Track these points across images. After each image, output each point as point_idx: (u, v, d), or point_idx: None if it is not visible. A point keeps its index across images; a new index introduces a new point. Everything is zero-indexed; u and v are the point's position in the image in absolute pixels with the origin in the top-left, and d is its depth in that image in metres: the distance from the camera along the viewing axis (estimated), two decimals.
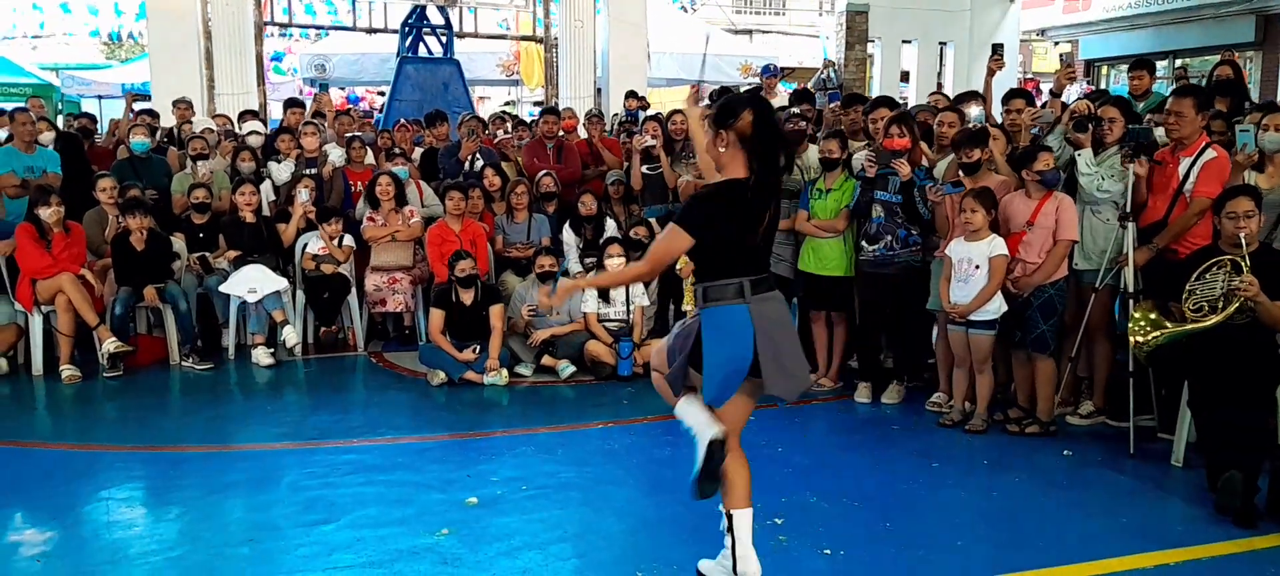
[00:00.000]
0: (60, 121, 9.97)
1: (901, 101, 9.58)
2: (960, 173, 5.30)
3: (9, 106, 8.58)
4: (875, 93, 12.47)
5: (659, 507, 4.10)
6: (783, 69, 12.96)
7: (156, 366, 6.50)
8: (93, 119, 9.61)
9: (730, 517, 3.22)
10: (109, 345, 6.11)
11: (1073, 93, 10.28)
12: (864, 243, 5.60)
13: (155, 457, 4.83)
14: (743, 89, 12.32)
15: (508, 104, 20.45)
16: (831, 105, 8.08)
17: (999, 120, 6.31)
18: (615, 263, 6.36)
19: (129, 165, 7.40)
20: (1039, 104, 7.21)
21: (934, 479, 4.47)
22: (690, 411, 3.13)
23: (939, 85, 14.85)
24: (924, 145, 5.70)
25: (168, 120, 9.16)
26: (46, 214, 6.16)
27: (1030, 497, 4.23)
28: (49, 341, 6.30)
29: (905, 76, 15.87)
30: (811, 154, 6.21)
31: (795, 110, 7.08)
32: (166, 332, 6.57)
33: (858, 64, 14.64)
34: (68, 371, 6.08)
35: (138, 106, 8.91)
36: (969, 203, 4.96)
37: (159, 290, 6.39)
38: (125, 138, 7.70)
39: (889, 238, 5.48)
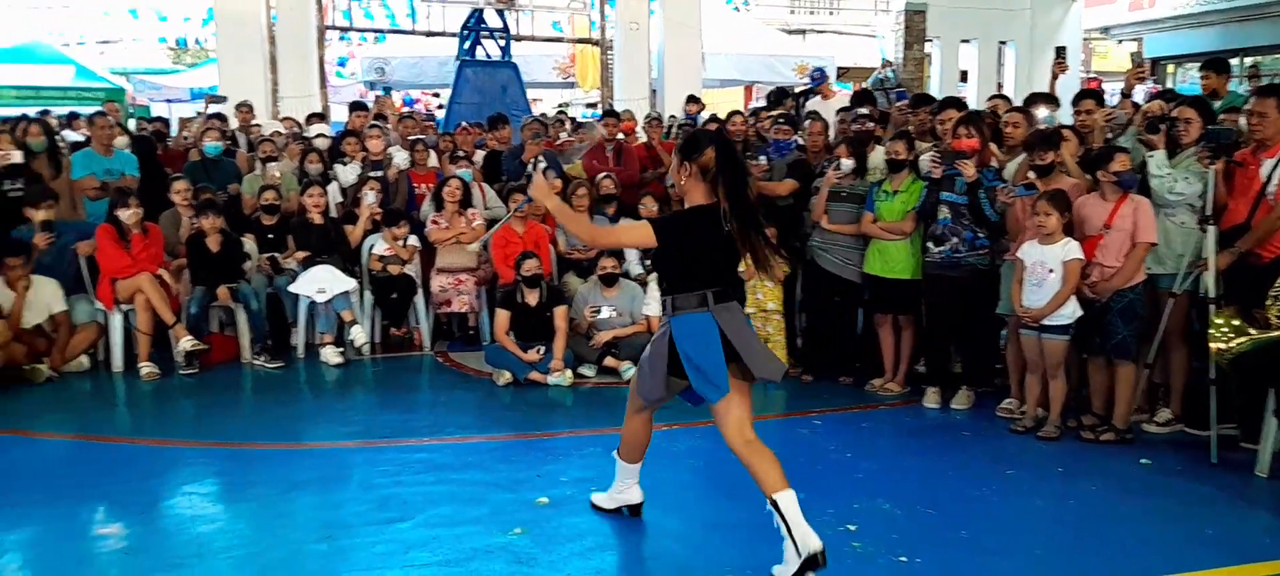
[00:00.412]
0: (131, 125, 10.24)
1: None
2: (1032, 175, 5.22)
3: (86, 111, 8.83)
4: (932, 93, 12.33)
5: (728, 510, 4.09)
6: (839, 69, 12.85)
7: (229, 364, 6.65)
8: (165, 122, 9.87)
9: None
10: (185, 343, 6.27)
11: (1140, 92, 10.06)
12: (930, 244, 5.54)
13: (230, 453, 4.95)
14: (797, 89, 12.25)
15: (562, 106, 20.57)
16: (898, 105, 8.00)
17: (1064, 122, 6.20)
18: None
19: (201, 167, 7.59)
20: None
21: (1007, 486, 4.41)
22: (793, 512, 3.31)
23: (999, 85, 14.63)
24: (993, 146, 5.62)
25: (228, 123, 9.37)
26: (125, 215, 6.34)
27: (1108, 506, 4.14)
28: (128, 339, 6.48)
29: (964, 76, 15.66)
30: (877, 155, 6.16)
31: (863, 111, 7.03)
32: (239, 331, 6.72)
33: (915, 64, 14.48)
34: (146, 369, 6.25)
35: (211, 109, 9.11)
36: (1043, 205, 4.89)
37: (232, 290, 6.54)
38: (198, 141, 7.89)
39: (955, 239, 5.41)
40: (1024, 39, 14.72)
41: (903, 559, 3.59)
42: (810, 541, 3.24)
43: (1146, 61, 18.47)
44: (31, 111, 9.57)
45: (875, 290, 5.87)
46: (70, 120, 9.52)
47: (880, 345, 5.97)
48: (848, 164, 5.93)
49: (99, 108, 8.82)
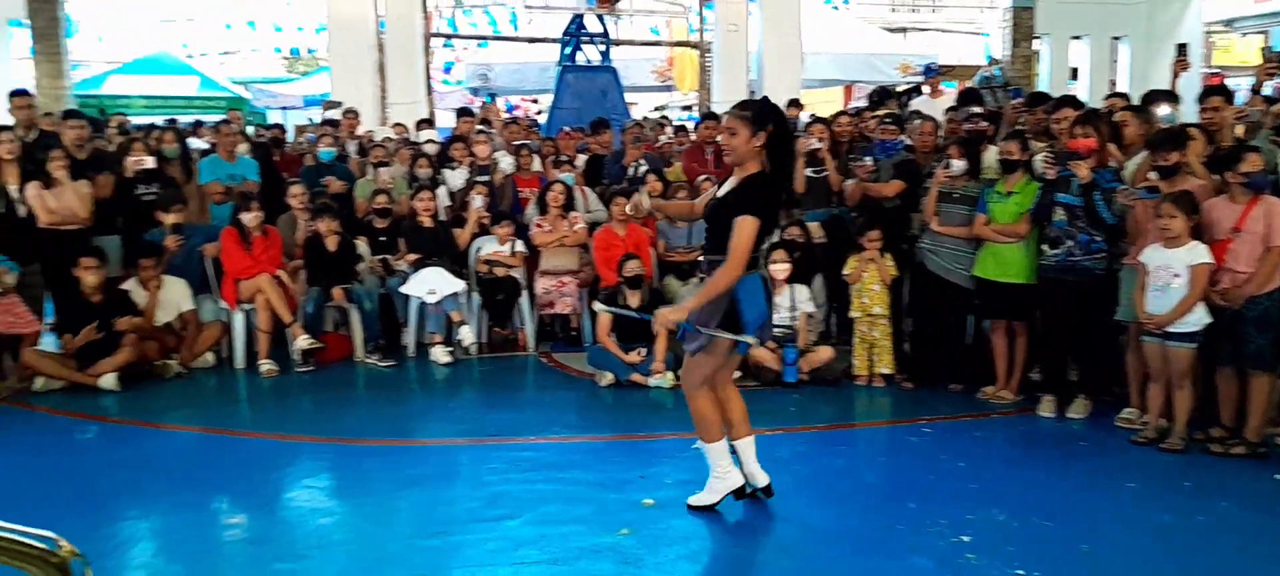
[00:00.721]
0: (250, 132, 10.70)
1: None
2: (1154, 176, 5.01)
3: (210, 119, 9.26)
4: (1044, 91, 11.93)
5: (835, 518, 4.04)
6: (942, 67, 12.54)
7: (343, 362, 6.89)
8: (282, 129, 10.28)
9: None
10: (301, 342, 6.52)
11: (1268, 87, 9.54)
12: (1045, 247, 5.37)
13: (345, 449, 5.11)
14: (900, 88, 12.02)
15: (658, 109, 20.64)
16: (1012, 103, 7.77)
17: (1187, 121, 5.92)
18: (778, 268, 6.31)
19: (316, 172, 7.88)
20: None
21: (1130, 500, 4.24)
22: (719, 455, 3.96)
23: (1111, 83, 14.08)
24: (1113, 147, 5.41)
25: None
26: (248, 218, 6.63)
27: (1241, 524, 3.95)
28: (249, 337, 6.77)
29: (1074, 73, 15.12)
30: (990, 155, 6.00)
31: (976, 110, 6.86)
32: (352, 331, 6.95)
33: (1023, 61, 14.05)
34: (266, 366, 6.51)
35: (329, 115, 9.42)
36: (1167, 208, 4.68)
37: (346, 290, 6.77)
38: (313, 147, 8.19)
39: (1070, 242, 5.23)
40: (1139, 33, 14.11)
41: (1020, 572, 3.47)
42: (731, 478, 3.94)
43: (1277, 55, 17.51)
44: (159, 120, 10.10)
45: (988, 294, 5.71)
46: (195, 128, 10.00)
47: (992, 351, 5.81)
48: (959, 165, 5.79)
49: (223, 116, 9.24)
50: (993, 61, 13.77)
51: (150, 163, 7.05)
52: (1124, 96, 6.96)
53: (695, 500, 4.04)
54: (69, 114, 7.56)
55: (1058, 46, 14.05)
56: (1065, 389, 5.49)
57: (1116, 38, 14.26)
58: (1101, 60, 14.28)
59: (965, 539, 3.75)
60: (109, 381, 6.00)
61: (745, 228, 3.63)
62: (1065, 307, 5.30)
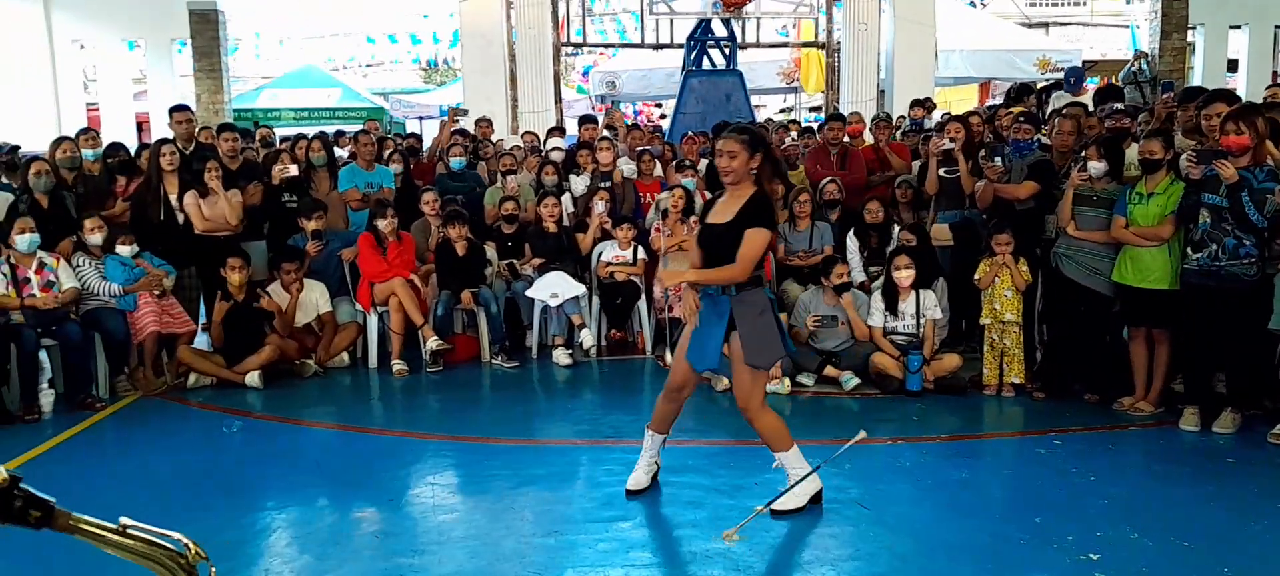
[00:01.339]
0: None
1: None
2: None
3: (350, 129, 9.71)
4: (1200, 85, 11.24)
5: (957, 532, 3.91)
6: (1087, 63, 11.98)
7: (470, 363, 7.11)
8: (418, 138, 10.69)
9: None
10: (432, 343, 6.76)
11: None
12: (1188, 250, 5.06)
13: (471, 448, 5.28)
14: (1040, 84, 11.53)
15: (783, 111, 20.44)
16: (1164, 98, 7.35)
17: None
18: (903, 275, 6.17)
19: (448, 180, 8.16)
20: None
21: None
22: (798, 465, 4.07)
23: (1274, 75, 13.14)
24: (1271, 144, 5.04)
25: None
26: (383, 225, 6.93)
27: None
28: (382, 339, 7.06)
29: (1233, 65, 14.19)
30: (1131, 153, 5.69)
31: (1118, 106, 6.53)
32: (479, 333, 7.17)
33: (1175, 53, 13.28)
34: (398, 366, 6.79)
35: (458, 125, 9.72)
36: None
37: (474, 294, 6.98)
38: (446, 156, 8.49)
39: (1215, 246, 4.92)
40: None
41: None
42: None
43: None
44: (309, 131, 10.65)
45: (1127, 300, 5.42)
46: (337, 137, 10.51)
47: (1130, 360, 5.51)
48: (1098, 166, 5.50)
49: (362, 126, 9.67)
50: (1140, 54, 13.05)
51: (294, 170, 7.45)
52: None
53: (780, 504, 4.04)
54: (224, 127, 8.08)
55: (1214, 36, 13.22)
56: (1211, 401, 5.16)
57: None
58: (1263, 50, 13.35)
59: (1094, 557, 3.57)
60: (253, 379, 6.39)
61: (757, 238, 3.76)
62: (1210, 315, 4.97)
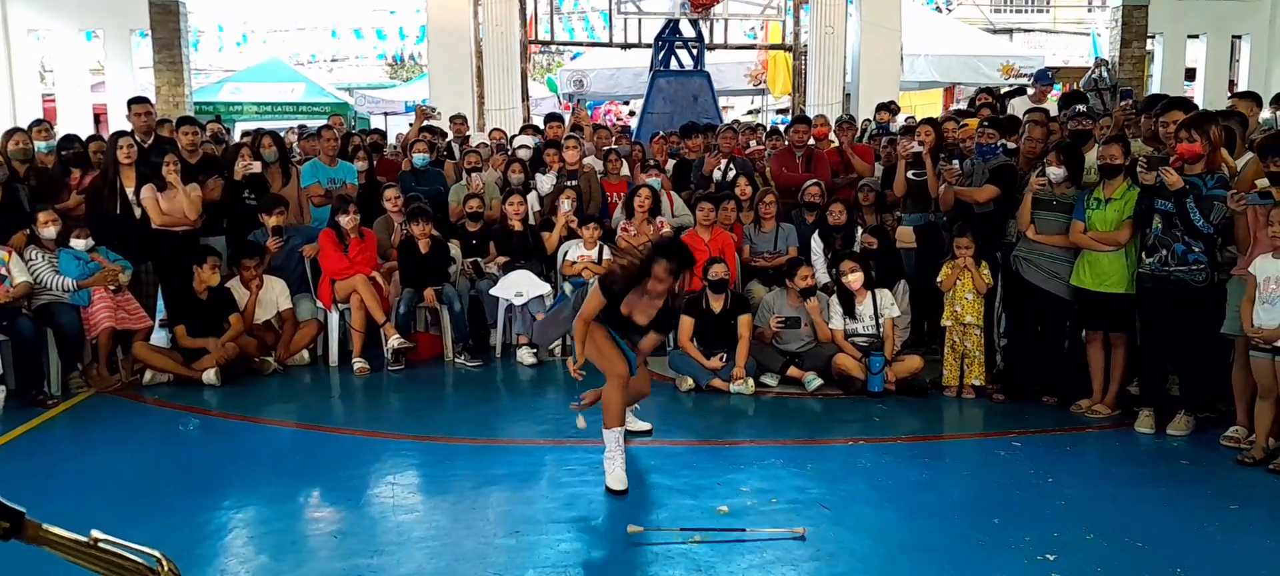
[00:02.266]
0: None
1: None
2: (1264, 182, 4.73)
3: (313, 124, 9.60)
4: (1154, 93, 11.43)
5: (917, 532, 3.94)
6: (1050, 70, 12.12)
7: (433, 362, 7.06)
8: (382, 134, 10.58)
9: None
10: (393, 341, 6.70)
11: None
12: (1142, 254, 5.15)
13: (431, 447, 5.23)
14: (1004, 89, 11.66)
15: (751, 112, 20.51)
16: (1121, 105, 7.47)
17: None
18: (852, 279, 6.22)
19: (411, 177, 8.09)
20: None
21: (1233, 523, 4.01)
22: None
23: (1232, 84, 13.39)
24: (1224, 153, 5.13)
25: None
26: (345, 221, 6.85)
27: None
28: (343, 336, 6.99)
29: (1191, 74, 14.43)
30: (1090, 157, 5.77)
31: (1081, 108, 6.62)
32: (442, 331, 7.11)
33: (1134, 61, 13.49)
34: (359, 364, 6.72)
35: (427, 123, 9.63)
36: None
37: (437, 292, 6.93)
38: (410, 153, 8.42)
39: (1165, 251, 5.01)
40: (1262, 33, 13.38)
41: None
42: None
43: None
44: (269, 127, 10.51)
45: (1084, 304, 5.49)
46: (300, 133, 10.38)
47: (1088, 363, 5.58)
48: (1058, 172, 5.57)
49: (325, 121, 9.55)
50: (1100, 61, 13.24)
51: (257, 167, 7.35)
52: (1255, 96, 6.52)
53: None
54: (183, 120, 7.94)
55: (1172, 45, 13.44)
56: (1165, 404, 5.24)
57: (1237, 36, 13.55)
58: (1220, 61, 13.60)
59: (1051, 558, 3.61)
60: (211, 376, 6.29)
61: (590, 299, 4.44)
62: (1162, 319, 5.06)
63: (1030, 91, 9.60)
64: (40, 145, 7.01)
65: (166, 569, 1.40)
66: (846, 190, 7.85)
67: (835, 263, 6.92)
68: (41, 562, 1.56)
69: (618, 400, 4.45)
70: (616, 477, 4.35)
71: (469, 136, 9.61)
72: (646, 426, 5.20)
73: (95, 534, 1.34)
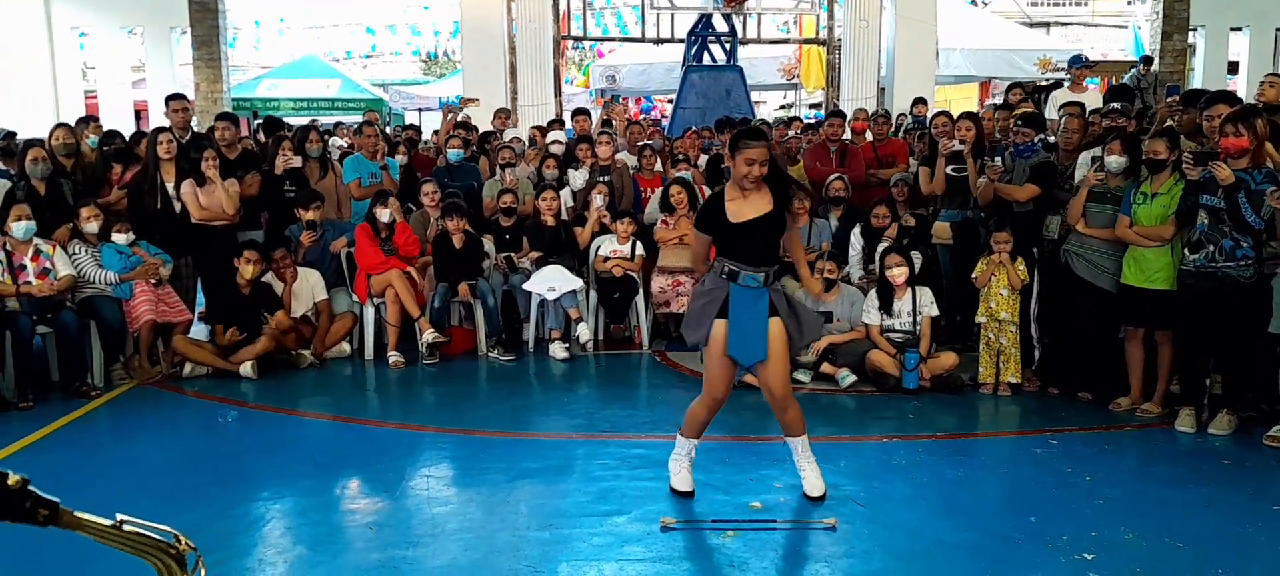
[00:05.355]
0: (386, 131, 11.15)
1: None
2: None
3: (350, 120, 9.69)
4: (1199, 88, 11.23)
5: (952, 531, 3.91)
6: (1088, 63, 11.94)
7: (466, 356, 7.10)
8: (418, 130, 10.65)
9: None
10: (428, 336, 6.75)
11: None
12: (1186, 251, 5.06)
13: (466, 440, 5.27)
14: (1041, 83, 11.53)
15: (783, 107, 20.42)
16: (1167, 100, 7.36)
17: None
18: (897, 272, 6.17)
19: (446, 172, 8.15)
20: None
21: (1276, 524, 3.94)
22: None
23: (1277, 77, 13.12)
24: (1270, 147, 5.03)
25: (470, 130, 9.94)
26: (382, 215, 6.91)
27: None
28: (378, 330, 7.05)
29: (1234, 67, 14.18)
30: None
31: (1115, 106, 6.52)
32: (476, 326, 7.16)
33: (1176, 55, 13.28)
34: (394, 358, 6.78)
35: (464, 114, 9.69)
36: None
37: (471, 287, 6.97)
38: (444, 149, 8.47)
39: (1211, 247, 4.91)
40: None
41: None
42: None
43: None
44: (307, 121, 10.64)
45: (1129, 301, 5.40)
46: (335, 128, 10.50)
47: (1126, 360, 5.50)
48: (1119, 161, 5.48)
49: (362, 116, 9.66)
50: (1146, 59, 13.03)
51: (298, 162, 7.43)
52: None
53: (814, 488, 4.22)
54: (221, 116, 8.04)
55: (1215, 38, 13.22)
56: (1207, 403, 5.15)
57: None
58: (1264, 53, 13.34)
59: (1088, 557, 3.57)
60: (248, 369, 6.37)
61: (794, 227, 4.23)
62: (1207, 316, 4.97)
63: (1066, 84, 9.47)
64: (91, 141, 7.14)
65: (183, 544, 1.54)
66: (881, 189, 7.78)
67: (871, 257, 6.87)
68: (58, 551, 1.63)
69: (701, 414, 4.30)
70: (681, 479, 4.31)
71: (502, 132, 9.65)
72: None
73: (119, 517, 1.50)
